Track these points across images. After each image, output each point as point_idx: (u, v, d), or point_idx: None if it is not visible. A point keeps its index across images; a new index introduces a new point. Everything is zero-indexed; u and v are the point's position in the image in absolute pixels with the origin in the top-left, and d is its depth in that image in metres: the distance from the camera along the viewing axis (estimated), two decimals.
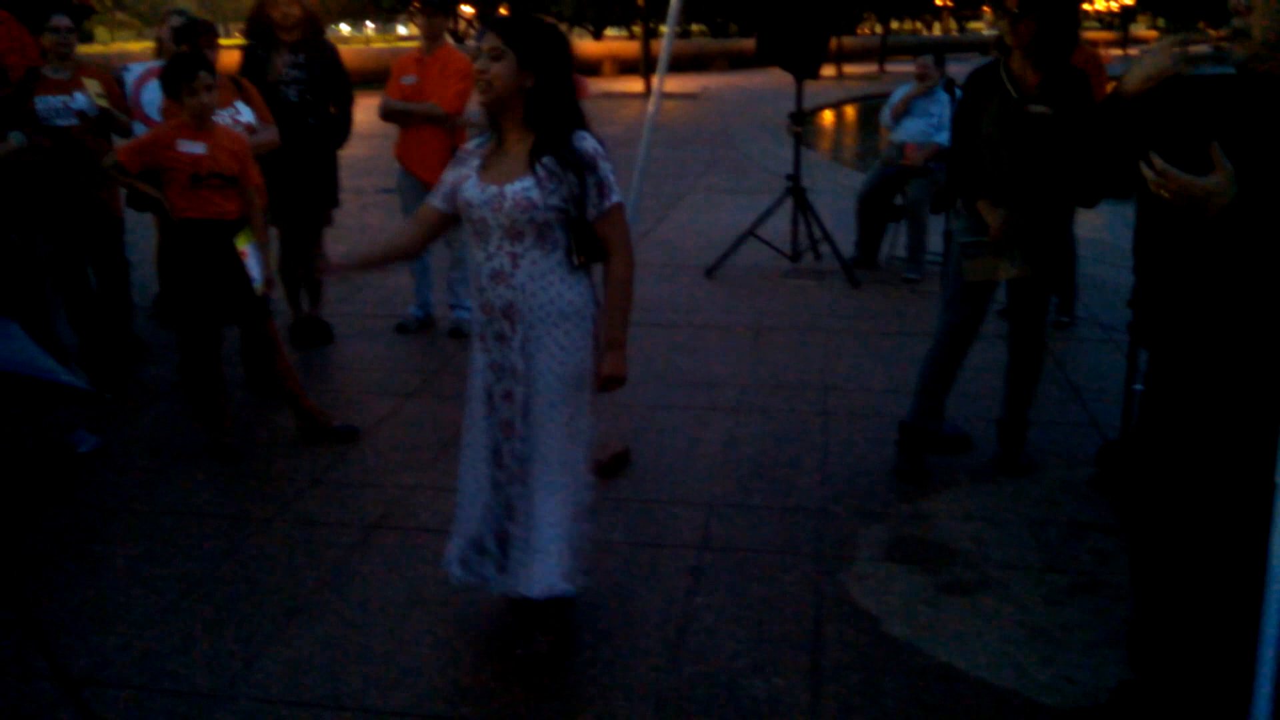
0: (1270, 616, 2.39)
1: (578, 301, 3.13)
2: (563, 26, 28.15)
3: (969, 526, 4.20)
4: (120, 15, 56.55)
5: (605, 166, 3.06)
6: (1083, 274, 6.99)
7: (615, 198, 3.09)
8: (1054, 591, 3.72)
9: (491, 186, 3.06)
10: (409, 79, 6.53)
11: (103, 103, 5.79)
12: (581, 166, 3.02)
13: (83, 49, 6.07)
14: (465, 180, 3.15)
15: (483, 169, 3.13)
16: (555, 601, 3.34)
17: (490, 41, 3.02)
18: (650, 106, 4.80)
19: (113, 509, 4.43)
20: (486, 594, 3.52)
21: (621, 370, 3.19)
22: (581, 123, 3.10)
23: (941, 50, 8.50)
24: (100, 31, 56.80)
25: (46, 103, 5.63)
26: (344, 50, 7.52)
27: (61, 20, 5.73)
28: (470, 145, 3.27)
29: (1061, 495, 4.47)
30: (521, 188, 3.01)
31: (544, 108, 3.04)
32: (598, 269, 3.23)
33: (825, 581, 3.79)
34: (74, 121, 5.67)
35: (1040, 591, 3.72)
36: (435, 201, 3.28)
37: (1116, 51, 49.68)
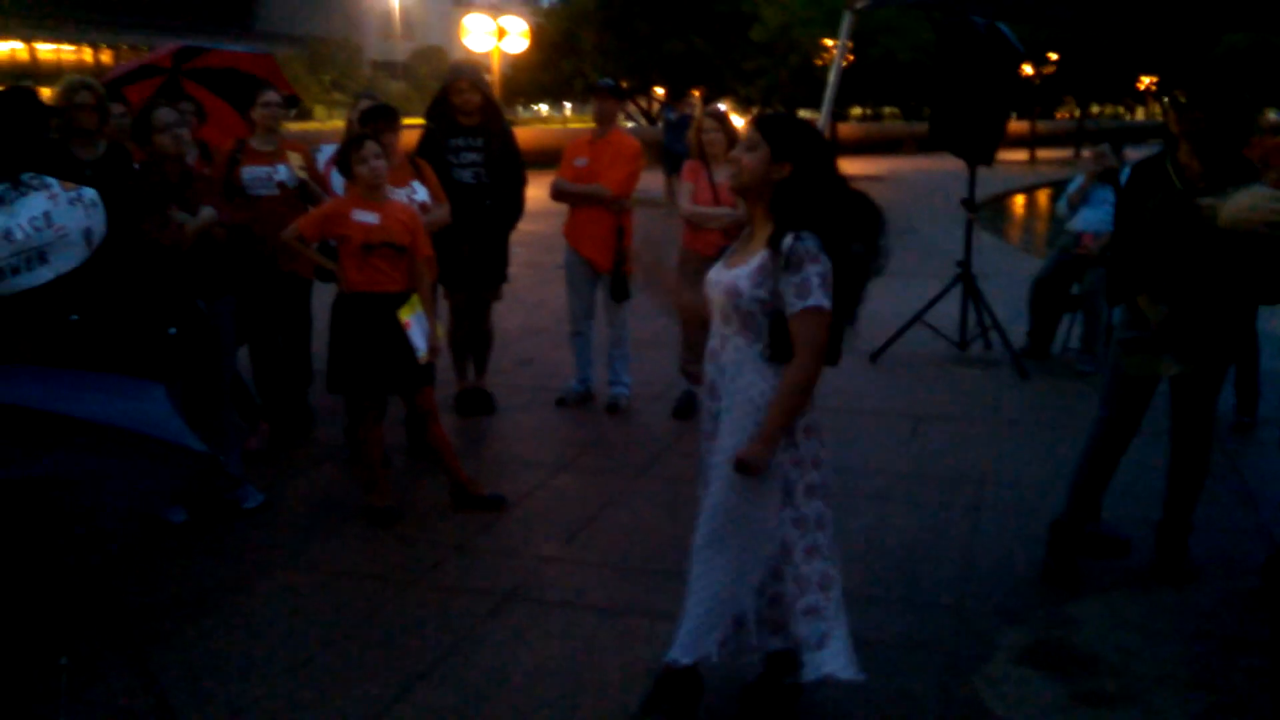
0: None
1: (768, 393, 3.14)
2: (754, 110, 28.51)
3: (1116, 635, 4.00)
4: (337, 95, 60.12)
5: (813, 269, 3.03)
6: (1268, 372, 6.63)
7: (812, 301, 3.04)
8: (1200, 710, 3.50)
9: (725, 270, 3.21)
10: (581, 160, 6.74)
11: (303, 175, 6.18)
12: (786, 264, 3.05)
13: (300, 125, 6.50)
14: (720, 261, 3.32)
15: (733, 253, 3.30)
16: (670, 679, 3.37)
17: (750, 134, 3.19)
18: None
19: (266, 565, 4.65)
20: (607, 670, 3.56)
21: (756, 459, 3.10)
22: (815, 222, 3.08)
23: (1120, 138, 8.27)
24: (319, 110, 60.46)
25: (252, 173, 6.04)
26: (521, 132, 7.83)
27: (271, 95, 6.16)
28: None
29: (1221, 608, 4.22)
30: (735, 276, 3.15)
31: (784, 201, 3.12)
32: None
33: (954, 683, 3.68)
34: (275, 192, 6.06)
35: (1185, 710, 3.51)
36: None
37: None
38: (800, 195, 3.10)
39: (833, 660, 3.23)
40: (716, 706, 3.52)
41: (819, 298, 3.04)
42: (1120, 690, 3.62)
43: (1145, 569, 4.53)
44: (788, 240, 3.05)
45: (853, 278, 3.17)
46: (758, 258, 3.12)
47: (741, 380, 3.17)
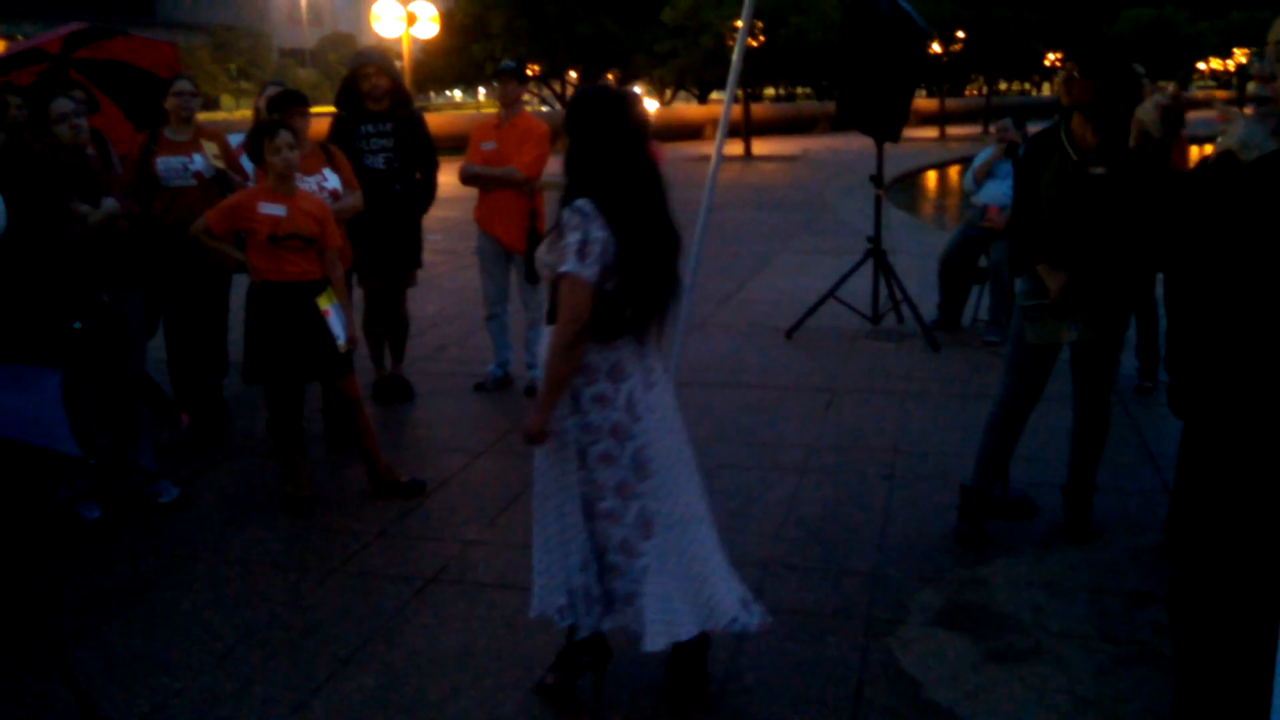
0: None
1: None
2: (667, 91, 28.55)
3: (1026, 594, 4.13)
4: (244, 83, 58.97)
5: (573, 237, 3.10)
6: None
7: (565, 268, 3.10)
8: (1107, 662, 3.64)
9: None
10: (488, 144, 6.73)
11: (219, 164, 6.08)
12: (560, 231, 3.16)
13: (207, 115, 6.40)
14: None
15: None
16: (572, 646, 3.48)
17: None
18: (709, 171, 4.87)
19: (184, 557, 4.61)
20: (532, 647, 3.61)
21: (529, 429, 3.24)
22: (592, 189, 3.15)
23: (1024, 113, 8.46)
24: (225, 99, 59.23)
25: (167, 163, 5.93)
26: (433, 117, 7.78)
27: (184, 85, 6.05)
28: None
29: (1126, 564, 4.37)
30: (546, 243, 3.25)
31: (570, 177, 3.22)
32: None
33: (872, 645, 3.77)
34: (192, 182, 5.96)
35: (1093, 662, 3.64)
36: None
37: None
38: (576, 165, 3.20)
39: (658, 630, 3.30)
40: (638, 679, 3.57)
41: (573, 264, 3.09)
42: (1030, 646, 3.74)
43: (1052, 530, 4.67)
44: (569, 206, 3.15)
45: (637, 253, 3.17)
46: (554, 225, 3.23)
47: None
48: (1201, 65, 57.46)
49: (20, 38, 53.75)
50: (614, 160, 3.20)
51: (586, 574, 3.35)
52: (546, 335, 3.26)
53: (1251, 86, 3.74)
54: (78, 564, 4.56)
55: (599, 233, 3.10)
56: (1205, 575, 2.75)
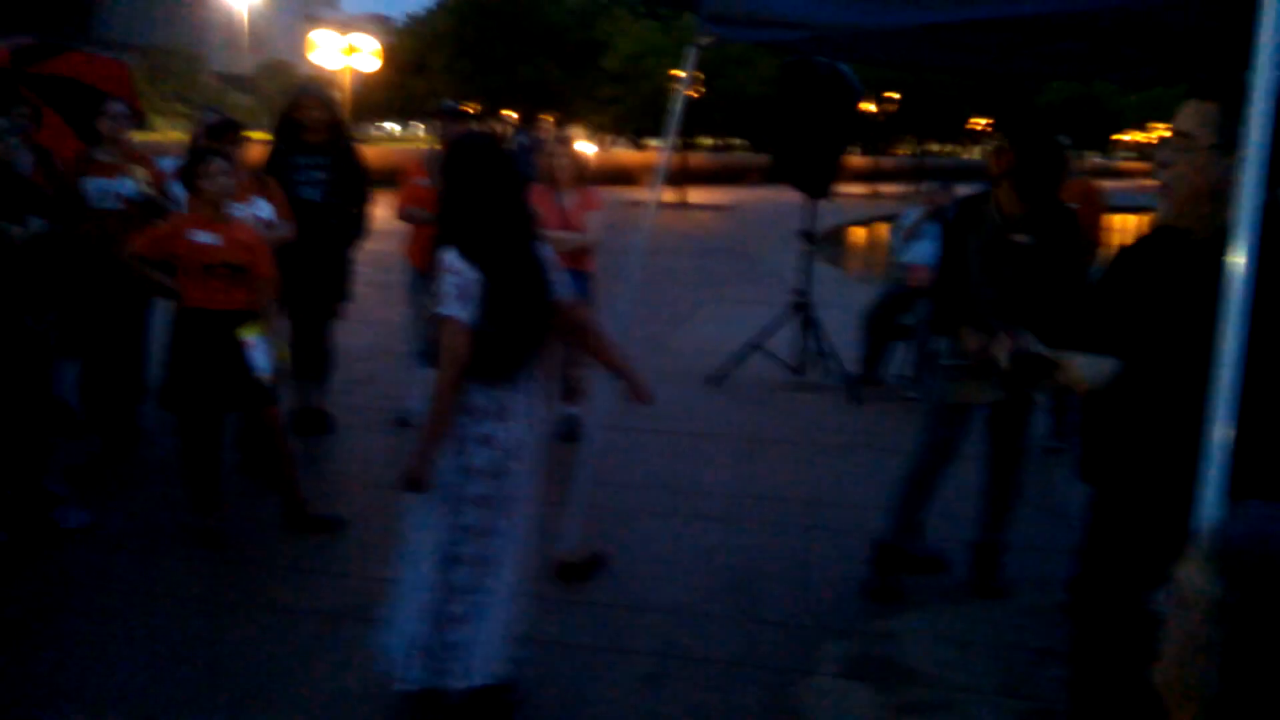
0: None
1: None
2: (605, 137, 28.79)
3: (934, 648, 4.20)
4: (178, 106, 58.23)
5: (449, 279, 3.21)
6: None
7: (443, 310, 3.21)
8: (1010, 717, 3.70)
9: None
10: (424, 181, 6.74)
11: (148, 190, 6.01)
12: (436, 274, 3.26)
13: (140, 136, 6.34)
14: None
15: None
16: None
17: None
18: (646, 220, 4.93)
19: (87, 587, 4.50)
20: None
21: (410, 475, 3.27)
22: (462, 236, 3.26)
23: (953, 176, 8.67)
24: (157, 120, 58.37)
25: (95, 185, 5.85)
26: (370, 150, 7.78)
27: (117, 107, 5.99)
28: None
29: (1032, 621, 4.46)
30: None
31: (443, 222, 3.34)
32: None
33: (782, 695, 3.80)
34: (119, 206, 5.88)
35: (996, 717, 3.71)
36: None
37: (1150, 183, 49.86)
38: (448, 212, 3.33)
39: (462, 674, 3.41)
40: None
41: (450, 306, 3.20)
42: (936, 700, 3.80)
43: (963, 586, 4.75)
44: (441, 252, 3.25)
45: (506, 295, 3.28)
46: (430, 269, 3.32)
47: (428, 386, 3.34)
48: (1124, 137, 59.25)
49: None
50: (482, 207, 3.31)
51: (422, 624, 3.40)
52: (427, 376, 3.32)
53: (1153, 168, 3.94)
54: None
55: (471, 275, 3.21)
56: (1103, 634, 2.83)
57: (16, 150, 4.95)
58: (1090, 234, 6.67)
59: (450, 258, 3.23)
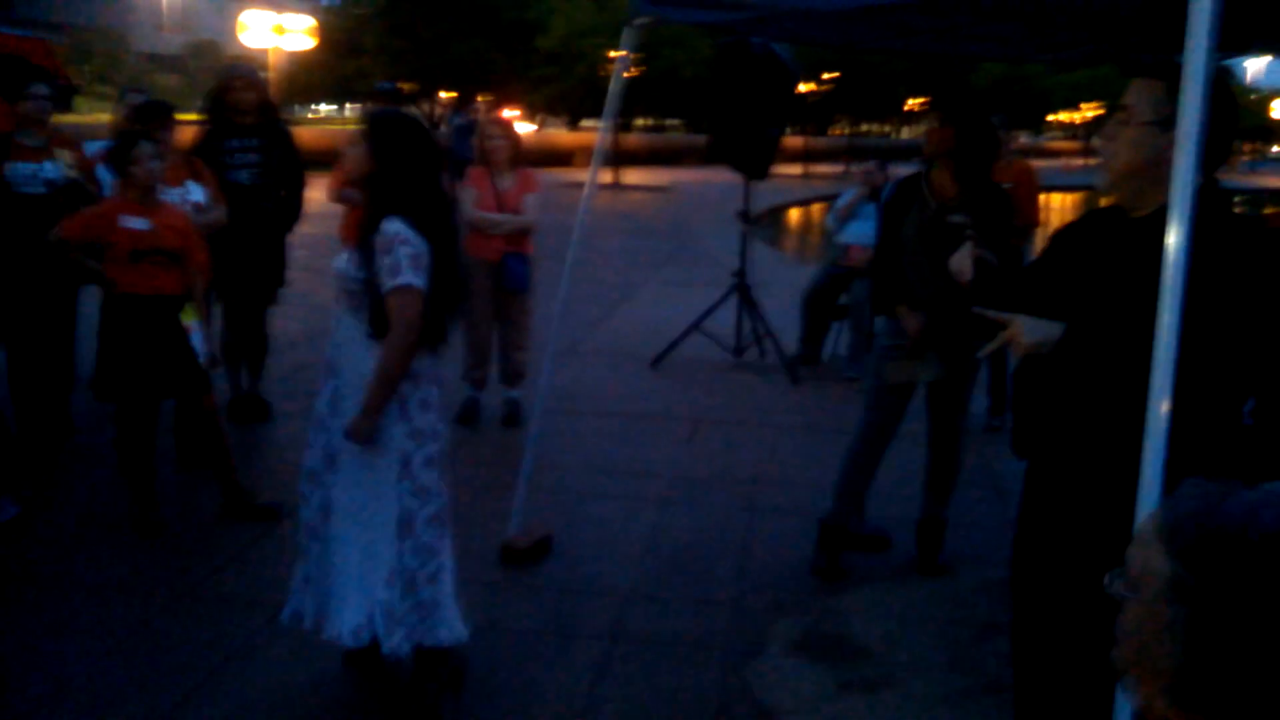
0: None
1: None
2: (541, 118, 28.62)
3: (879, 625, 4.24)
4: (102, 88, 56.95)
5: (403, 250, 3.25)
6: None
7: (401, 280, 3.25)
8: (956, 692, 3.76)
9: (341, 254, 3.43)
10: None
11: (73, 174, 5.86)
12: (379, 247, 3.26)
13: (62, 118, 6.17)
14: None
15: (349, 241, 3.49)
16: (423, 668, 3.54)
17: (359, 131, 3.41)
18: (584, 201, 4.90)
19: (22, 580, 4.41)
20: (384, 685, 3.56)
21: (357, 430, 3.32)
22: (405, 207, 3.30)
23: (886, 156, 8.74)
24: (80, 101, 57.10)
25: (17, 169, 5.69)
26: (301, 132, 7.66)
27: (39, 89, 5.82)
28: None
29: (975, 596, 4.53)
30: (344, 258, 3.37)
31: (377, 192, 3.35)
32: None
33: (731, 674, 3.82)
34: (43, 190, 5.73)
35: (941, 691, 3.76)
36: None
37: (1079, 162, 50.93)
38: (391, 185, 3.32)
39: (447, 628, 3.52)
40: None
41: (409, 276, 3.25)
42: (882, 676, 3.84)
43: (906, 563, 4.81)
44: (384, 225, 3.26)
45: (446, 262, 3.39)
46: (363, 244, 3.32)
47: (353, 357, 3.39)
48: (1051, 117, 60.08)
49: None
50: (423, 180, 3.38)
51: (392, 590, 3.40)
52: (368, 350, 3.34)
53: (1095, 142, 3.99)
54: None
55: (422, 246, 3.28)
56: (1043, 608, 2.87)
57: None
58: (1026, 214, 6.76)
59: (398, 228, 3.25)
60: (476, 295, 6.50)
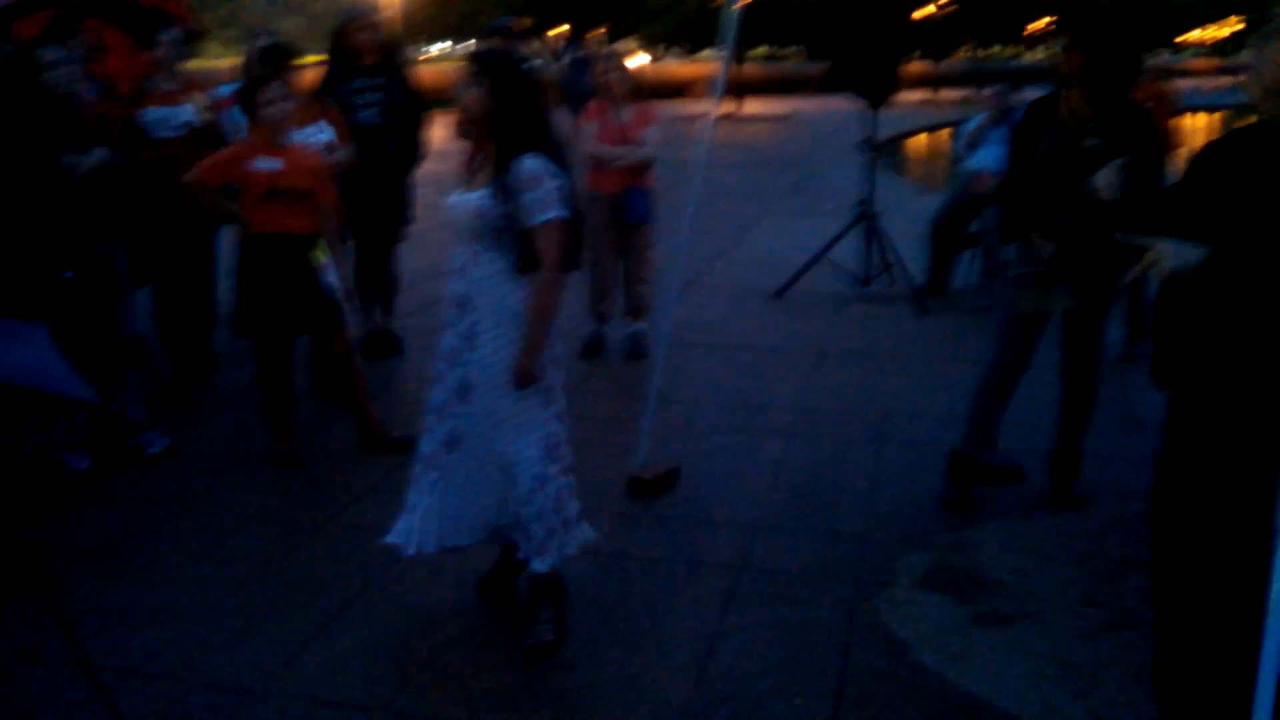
0: (1269, 654, 2.37)
1: (524, 302, 3.42)
2: (658, 49, 28.40)
3: (1011, 558, 4.17)
4: (228, 33, 58.20)
5: (551, 184, 3.33)
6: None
7: (554, 214, 3.33)
8: (1091, 627, 3.68)
9: (466, 194, 3.44)
10: None
11: (207, 117, 6.03)
12: (522, 183, 3.31)
13: (194, 64, 6.35)
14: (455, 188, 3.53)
15: (467, 179, 3.51)
16: (550, 590, 3.60)
17: (469, 69, 3.40)
18: (704, 133, 4.85)
19: (173, 509, 4.62)
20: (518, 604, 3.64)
21: (528, 372, 3.41)
22: (538, 143, 3.37)
23: (1018, 78, 8.45)
24: (213, 47, 58.50)
25: (154, 114, 5.89)
26: (422, 70, 7.72)
27: (171, 35, 6.00)
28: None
29: (1111, 530, 4.42)
30: (479, 197, 3.37)
31: (504, 129, 3.37)
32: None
33: (859, 607, 3.81)
34: (179, 133, 5.92)
35: (1077, 626, 3.69)
36: None
37: (1225, 80, 48.48)
38: (518, 122, 3.37)
39: (579, 534, 3.71)
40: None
41: (558, 209, 3.34)
42: (1015, 609, 3.79)
43: (1039, 496, 4.71)
44: (523, 161, 3.31)
45: (573, 194, 3.47)
46: (497, 181, 3.35)
47: (497, 292, 3.43)
48: (1192, 35, 57.26)
49: None
50: (543, 114, 3.44)
51: (545, 509, 3.53)
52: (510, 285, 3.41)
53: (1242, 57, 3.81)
54: (67, 514, 4.56)
55: (563, 179, 3.38)
56: (1186, 542, 2.79)
57: (77, 81, 4.95)
58: (1163, 136, 6.47)
59: (538, 163, 3.32)
60: (598, 229, 6.51)
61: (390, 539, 3.71)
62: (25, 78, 4.82)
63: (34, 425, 4.78)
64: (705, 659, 3.49)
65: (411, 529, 3.66)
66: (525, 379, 3.40)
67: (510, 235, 3.36)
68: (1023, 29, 45.43)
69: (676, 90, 34.25)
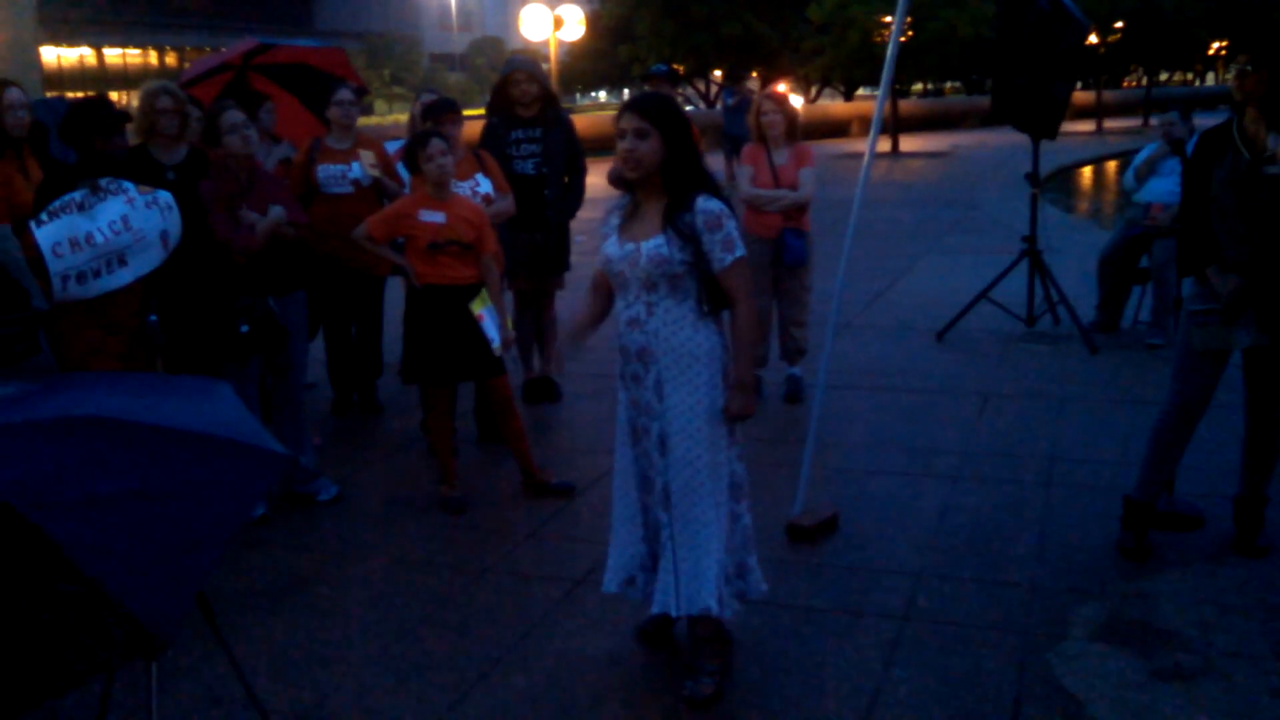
0: None
1: (706, 345, 3.44)
2: (812, 89, 28.29)
3: (1193, 610, 3.96)
4: (396, 89, 60.59)
5: (730, 225, 3.37)
6: None
7: (740, 252, 3.38)
8: None
9: (629, 244, 3.42)
10: None
11: (375, 173, 6.29)
12: (705, 226, 3.34)
13: (361, 120, 6.63)
14: (606, 240, 3.52)
15: (621, 228, 3.49)
16: (717, 641, 3.57)
17: (634, 122, 3.37)
18: (862, 172, 4.80)
19: (342, 556, 4.76)
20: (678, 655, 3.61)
21: (748, 408, 3.48)
22: (707, 186, 3.42)
23: (1188, 105, 8.12)
24: (379, 104, 61.00)
25: (326, 170, 6.17)
26: (579, 119, 7.87)
27: (345, 94, 6.29)
28: (611, 209, 3.61)
29: None
30: (654, 244, 3.35)
31: (678, 176, 3.39)
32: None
33: (1030, 660, 3.67)
34: (349, 189, 6.18)
35: (1266, 683, 3.47)
36: (599, 264, 3.61)
37: None
38: (689, 165, 3.41)
39: (757, 580, 3.72)
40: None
41: (740, 247, 3.39)
42: (1199, 665, 3.59)
43: (1221, 543, 4.47)
44: (702, 204, 3.34)
45: None
46: (672, 227, 3.35)
47: (677, 339, 3.42)
48: None
49: (189, 49, 56.50)
50: (701, 158, 3.50)
51: (734, 552, 3.60)
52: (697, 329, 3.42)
53: None
54: (241, 559, 4.74)
55: (735, 218, 3.44)
56: None
57: (253, 145, 5.20)
58: None
59: (718, 204, 3.36)
60: (755, 271, 6.48)
61: (655, 610, 3.63)
62: (210, 139, 5.08)
63: (215, 490, 4.99)
64: (868, 713, 3.40)
65: (668, 588, 3.53)
66: (743, 413, 3.45)
67: (690, 280, 3.39)
68: (1197, 53, 43.77)
69: (836, 129, 34.10)
